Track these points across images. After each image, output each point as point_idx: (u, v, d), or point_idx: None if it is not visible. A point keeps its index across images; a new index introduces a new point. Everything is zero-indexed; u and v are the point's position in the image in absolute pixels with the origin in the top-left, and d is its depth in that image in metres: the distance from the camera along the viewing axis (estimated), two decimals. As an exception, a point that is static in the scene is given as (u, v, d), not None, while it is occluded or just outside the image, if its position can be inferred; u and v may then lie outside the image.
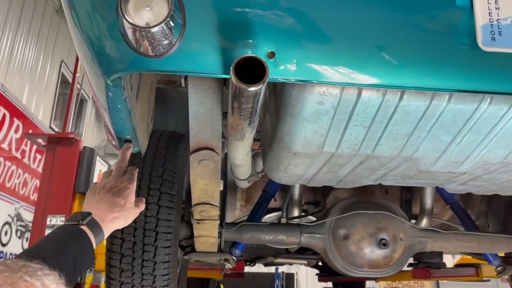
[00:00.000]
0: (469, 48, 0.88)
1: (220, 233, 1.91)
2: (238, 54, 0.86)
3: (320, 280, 5.76)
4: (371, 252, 1.90)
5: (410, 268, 2.96)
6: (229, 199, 2.41)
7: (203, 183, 1.29)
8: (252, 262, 4.91)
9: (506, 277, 2.12)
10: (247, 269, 9.84)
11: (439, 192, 2.25)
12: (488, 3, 0.89)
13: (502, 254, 2.26)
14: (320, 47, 0.91)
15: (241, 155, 1.24)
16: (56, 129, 7.73)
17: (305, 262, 4.59)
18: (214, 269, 3.61)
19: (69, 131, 5.41)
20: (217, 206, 1.40)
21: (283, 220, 2.07)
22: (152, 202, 1.56)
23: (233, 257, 2.07)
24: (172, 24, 0.85)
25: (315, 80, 0.92)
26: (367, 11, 0.91)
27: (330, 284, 6.43)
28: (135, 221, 1.56)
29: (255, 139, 1.70)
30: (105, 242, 1.47)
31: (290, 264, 5.16)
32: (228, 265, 2.09)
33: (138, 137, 1.21)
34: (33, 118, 6.79)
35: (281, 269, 10.34)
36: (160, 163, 1.63)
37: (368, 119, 1.08)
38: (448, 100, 1.02)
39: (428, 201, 2.25)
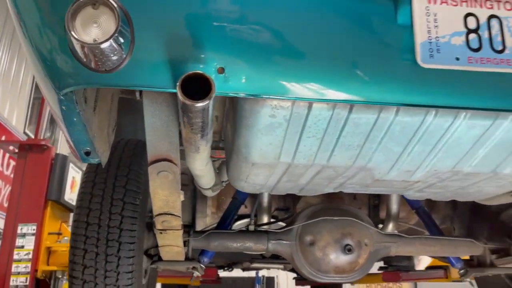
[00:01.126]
0: (410, 65, 0.92)
1: (187, 242, 1.92)
2: (188, 69, 0.87)
3: (297, 284, 5.80)
4: (337, 257, 1.93)
5: (380, 272, 3.02)
6: (199, 206, 2.42)
7: (163, 194, 1.30)
8: (230, 267, 4.92)
9: (469, 279, 2.19)
10: (227, 273, 9.84)
11: (405, 197, 2.30)
12: (427, 21, 0.93)
13: (467, 257, 2.33)
14: (269, 62, 0.93)
15: (200, 166, 1.25)
16: (31, 134, 7.60)
17: (281, 266, 4.62)
18: (185, 276, 3.59)
19: (44, 136, 5.33)
20: (179, 217, 1.41)
21: (251, 227, 2.08)
22: (115, 212, 1.56)
23: (202, 265, 2.07)
24: (122, 40, 0.86)
25: (264, 94, 0.95)
26: (313, 28, 0.94)
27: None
28: (98, 232, 1.57)
29: (220, 148, 1.72)
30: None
31: (268, 268, 5.19)
32: (196, 273, 2.10)
33: (97, 149, 1.21)
34: (6, 124, 6.66)
35: (262, 273, 10.35)
36: (124, 173, 1.64)
37: (320, 131, 1.11)
38: (396, 113, 1.06)
39: (394, 207, 2.30)
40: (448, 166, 1.28)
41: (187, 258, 1.92)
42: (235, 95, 0.93)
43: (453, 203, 2.58)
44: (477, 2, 0.95)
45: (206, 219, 2.48)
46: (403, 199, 2.37)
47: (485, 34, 0.93)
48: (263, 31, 0.93)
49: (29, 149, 4.03)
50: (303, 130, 1.11)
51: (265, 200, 2.25)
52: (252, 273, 9.17)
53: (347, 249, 1.92)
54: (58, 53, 0.92)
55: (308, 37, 0.93)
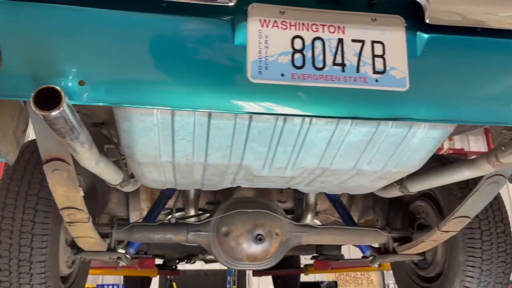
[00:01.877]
0: (243, 80, 1.08)
1: (110, 234, 2.07)
2: (50, 83, 1.02)
3: (254, 274, 6.00)
4: (249, 246, 2.10)
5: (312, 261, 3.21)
6: (131, 201, 2.56)
7: (62, 190, 1.44)
8: (188, 259, 5.07)
9: (377, 265, 2.38)
10: (199, 266, 9.97)
11: (324, 192, 2.48)
12: (259, 43, 1.09)
13: (377, 245, 2.53)
14: (125, 76, 1.08)
15: (88, 165, 1.39)
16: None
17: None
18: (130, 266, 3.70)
19: None
20: (83, 210, 1.55)
21: (173, 220, 2.24)
22: (29, 207, 1.69)
23: (127, 255, 2.22)
24: None
25: (123, 104, 1.10)
26: (162, 46, 1.09)
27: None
28: (12, 225, 1.70)
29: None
30: None
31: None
32: (122, 263, 2.24)
33: (0, 150, 1.35)
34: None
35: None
36: (41, 170, 1.76)
37: (189, 134, 1.27)
38: (250, 119, 1.22)
39: (311, 199, 2.49)
40: (313, 164, 1.45)
41: (109, 249, 2.06)
42: (96, 103, 1.08)
43: (374, 196, 2.77)
44: (304, 26, 1.11)
45: (144, 213, 2.62)
46: (323, 193, 2.56)
47: (308, 54, 1.10)
48: (117, 50, 1.08)
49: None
50: (174, 133, 1.26)
51: (191, 194, 2.42)
52: (223, 266, 9.33)
53: (258, 239, 2.09)
54: None
55: (159, 54, 1.09)
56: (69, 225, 1.64)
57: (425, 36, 1.17)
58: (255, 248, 2.12)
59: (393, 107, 1.14)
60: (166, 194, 2.37)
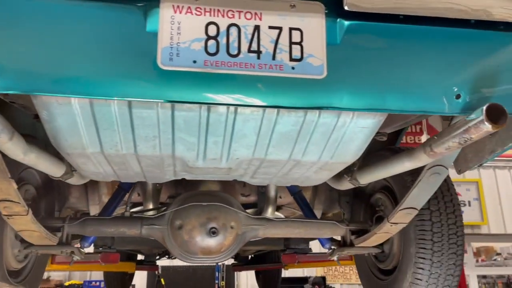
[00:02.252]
0: (153, 67, 1.06)
1: (62, 227, 2.05)
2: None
3: (234, 269, 6.00)
4: (202, 240, 2.08)
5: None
6: (90, 195, 2.53)
7: None
8: (167, 254, 5.05)
9: (336, 258, 2.38)
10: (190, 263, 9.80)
11: (286, 185, 2.47)
12: (171, 29, 1.07)
13: (339, 238, 2.52)
14: (36, 64, 1.06)
15: (16, 156, 1.36)
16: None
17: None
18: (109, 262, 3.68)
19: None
20: (19, 203, 1.53)
21: (127, 214, 2.22)
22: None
23: (81, 249, 2.20)
24: None
25: (34, 92, 1.07)
26: (71, 33, 1.06)
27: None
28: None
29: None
30: None
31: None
32: (76, 257, 2.22)
33: None
34: None
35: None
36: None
37: (112, 124, 1.25)
38: (172, 108, 1.20)
39: (272, 192, 2.48)
40: (247, 155, 1.44)
41: (61, 243, 2.04)
42: (6, 92, 1.06)
43: (339, 189, 2.76)
44: (219, 12, 1.09)
45: (101, 207, 2.60)
46: (285, 187, 2.55)
47: (223, 40, 1.08)
48: (26, 37, 1.05)
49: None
50: (97, 123, 1.24)
51: (150, 188, 2.40)
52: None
53: (212, 232, 2.08)
54: None
55: (69, 41, 1.06)
56: (8, 218, 1.62)
57: (346, 23, 1.15)
58: (209, 242, 2.10)
59: (311, 95, 1.12)
60: (124, 187, 2.35)
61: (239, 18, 1.10)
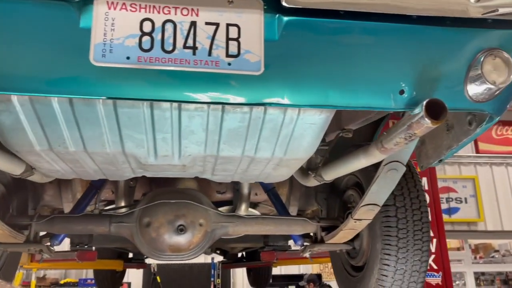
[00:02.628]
0: (86, 63, 1.05)
1: (30, 225, 2.05)
2: None
3: (224, 267, 6.01)
4: (170, 237, 2.08)
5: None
6: (63, 193, 2.54)
7: None
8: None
9: (307, 255, 2.37)
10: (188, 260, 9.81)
11: (260, 182, 2.47)
12: (105, 26, 1.07)
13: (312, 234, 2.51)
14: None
15: None
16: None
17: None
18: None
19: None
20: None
21: (96, 211, 2.22)
22: None
23: (51, 247, 2.21)
24: None
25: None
26: (7, 31, 1.06)
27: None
28: None
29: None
30: None
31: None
32: (45, 255, 2.22)
33: None
34: None
35: (217, 258, 10.59)
36: None
37: (57, 121, 1.25)
38: (114, 105, 1.20)
39: (245, 189, 2.48)
40: (199, 152, 1.43)
41: (28, 241, 2.04)
42: None
43: (316, 186, 2.76)
44: (155, 8, 1.09)
45: (74, 204, 2.60)
46: (258, 183, 2.55)
47: (158, 37, 1.08)
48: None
49: None
50: (40, 120, 1.24)
51: (121, 186, 2.40)
52: (208, 259, 9.36)
53: (179, 229, 2.08)
54: None
55: (2, 37, 1.06)
56: (-33, 215, 1.62)
57: (285, 19, 1.15)
58: (177, 239, 2.11)
59: (250, 91, 1.12)
60: (95, 185, 2.35)
61: (175, 14, 1.10)
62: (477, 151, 12.31)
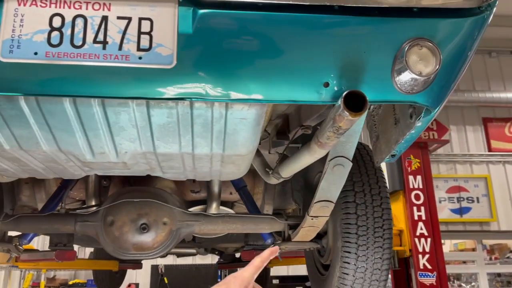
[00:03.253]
0: (-6, 59, 1.06)
1: (-4, 224, 2.08)
2: None
3: (220, 267, 6.00)
4: (133, 236, 2.09)
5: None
6: (36, 193, 2.56)
7: None
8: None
9: (277, 254, 2.34)
10: (190, 260, 9.98)
11: (231, 180, 2.45)
12: (14, 21, 1.07)
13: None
14: None
15: None
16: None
17: (194, 251, 4.81)
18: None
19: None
20: None
21: (62, 210, 2.23)
22: None
23: (20, 247, 2.23)
24: None
25: None
26: None
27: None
28: None
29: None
30: None
31: (183, 254, 5.38)
32: (14, 254, 2.25)
33: None
34: None
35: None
36: None
37: None
38: (37, 101, 1.20)
39: (215, 188, 2.47)
40: (135, 149, 1.43)
41: (-6, 240, 2.07)
42: None
43: (292, 184, 2.74)
44: (66, 4, 1.09)
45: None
46: (229, 181, 2.54)
47: (67, 32, 1.08)
48: None
49: None
50: (-32, 118, 1.25)
51: (91, 185, 2.42)
52: (215, 260, 9.38)
53: (142, 228, 2.08)
54: None
55: None
56: None
57: (200, 12, 1.13)
58: (140, 238, 2.11)
59: (164, 85, 1.11)
60: (65, 184, 2.37)
61: (87, 9, 1.09)
62: (490, 149, 12.07)
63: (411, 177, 5.68)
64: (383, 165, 7.04)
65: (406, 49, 1.15)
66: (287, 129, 2.05)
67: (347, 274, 1.92)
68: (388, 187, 2.02)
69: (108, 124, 1.30)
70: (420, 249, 5.43)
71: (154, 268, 8.92)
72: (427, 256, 5.08)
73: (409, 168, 5.66)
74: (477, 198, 11.85)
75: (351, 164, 1.55)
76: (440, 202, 11.51)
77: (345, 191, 1.95)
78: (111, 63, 1.08)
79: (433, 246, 5.13)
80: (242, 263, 5.62)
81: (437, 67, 1.15)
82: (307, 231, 1.99)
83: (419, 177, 5.46)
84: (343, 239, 1.92)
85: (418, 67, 1.15)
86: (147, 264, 8.83)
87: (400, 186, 6.00)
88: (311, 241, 2.21)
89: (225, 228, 2.24)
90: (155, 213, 2.13)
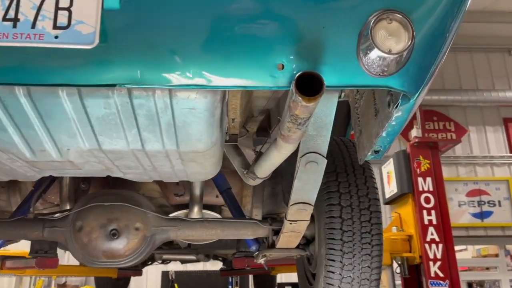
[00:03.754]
0: None
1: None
2: None
3: (222, 274, 5.84)
4: (103, 243, 1.94)
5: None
6: (11, 197, 2.45)
7: None
8: (150, 261, 4.94)
9: (262, 261, 2.17)
10: (200, 266, 9.82)
11: (213, 180, 2.30)
12: None
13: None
14: None
15: None
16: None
17: (194, 257, 4.65)
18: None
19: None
20: None
21: (31, 215, 2.11)
22: None
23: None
24: None
25: None
26: None
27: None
28: None
29: None
30: None
31: (181, 261, 5.23)
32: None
33: None
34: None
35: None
36: None
37: None
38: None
39: (196, 191, 2.31)
40: (77, 145, 1.28)
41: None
42: None
43: (283, 187, 2.56)
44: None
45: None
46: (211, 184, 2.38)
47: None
48: None
49: None
50: None
51: (65, 188, 2.29)
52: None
53: (112, 234, 1.94)
54: None
55: None
56: None
57: (128, -17, 0.98)
58: (110, 244, 1.96)
59: (87, 69, 0.96)
60: (36, 187, 2.25)
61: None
62: (511, 150, 11.66)
63: (420, 179, 5.39)
64: (391, 167, 6.77)
65: (372, 22, 0.97)
66: (268, 125, 1.88)
67: (332, 284, 1.73)
68: (377, 187, 1.82)
69: (40, 117, 1.15)
70: (431, 256, 5.14)
71: (165, 274, 8.84)
72: (438, 263, 4.79)
73: (418, 170, 5.41)
74: (499, 202, 11.43)
75: (325, 160, 1.37)
76: (459, 206, 11.13)
77: (329, 193, 1.77)
78: (21, 43, 0.93)
79: (445, 253, 4.84)
80: (242, 270, 5.46)
81: (410, 43, 0.97)
82: (288, 237, 1.81)
83: (429, 179, 5.18)
84: (327, 246, 1.73)
85: (387, 44, 0.97)
86: (157, 270, 8.74)
87: (409, 188, 5.72)
88: (297, 248, 2.03)
89: (203, 233, 2.08)
90: (126, 218, 1.98)
